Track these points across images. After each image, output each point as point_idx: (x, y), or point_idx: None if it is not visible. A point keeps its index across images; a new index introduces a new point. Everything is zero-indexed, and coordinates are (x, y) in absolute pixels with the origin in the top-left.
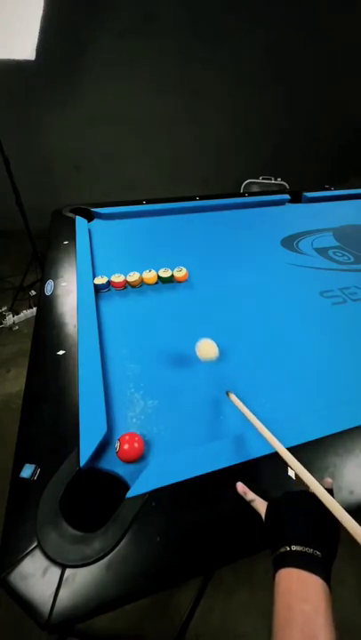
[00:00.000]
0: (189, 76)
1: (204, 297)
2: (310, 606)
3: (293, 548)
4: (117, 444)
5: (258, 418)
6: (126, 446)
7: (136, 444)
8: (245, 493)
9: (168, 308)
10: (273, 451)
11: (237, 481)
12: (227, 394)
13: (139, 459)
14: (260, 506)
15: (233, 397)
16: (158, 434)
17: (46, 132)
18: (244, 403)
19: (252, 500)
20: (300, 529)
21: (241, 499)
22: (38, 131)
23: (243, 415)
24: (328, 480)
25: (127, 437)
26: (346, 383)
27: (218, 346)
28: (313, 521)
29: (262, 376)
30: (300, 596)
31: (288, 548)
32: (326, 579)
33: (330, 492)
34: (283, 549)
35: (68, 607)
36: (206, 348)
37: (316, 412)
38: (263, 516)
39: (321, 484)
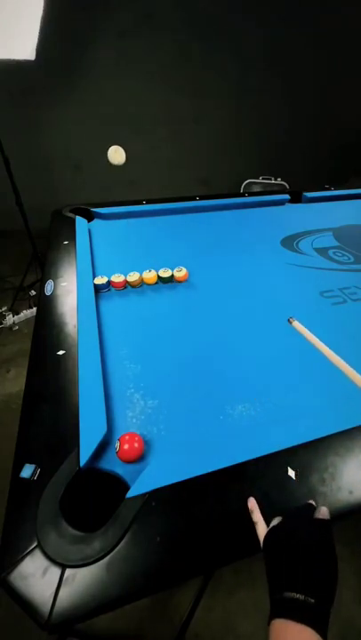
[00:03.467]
0: (189, 76)
1: (204, 297)
2: None
3: (289, 595)
4: (117, 444)
5: (257, 417)
6: (126, 446)
7: (136, 444)
8: (253, 512)
9: (168, 308)
10: (273, 451)
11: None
12: (289, 321)
13: (139, 459)
14: (262, 531)
15: (296, 324)
16: (158, 434)
17: (46, 132)
18: (244, 402)
19: (256, 523)
20: (297, 573)
21: (243, 504)
22: (38, 131)
23: (243, 414)
24: (324, 510)
25: (127, 437)
26: (346, 383)
27: (217, 345)
28: (313, 562)
29: (262, 376)
30: None
31: (284, 595)
32: (322, 629)
33: (325, 523)
34: (278, 596)
35: (68, 607)
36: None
37: (317, 411)
38: (261, 543)
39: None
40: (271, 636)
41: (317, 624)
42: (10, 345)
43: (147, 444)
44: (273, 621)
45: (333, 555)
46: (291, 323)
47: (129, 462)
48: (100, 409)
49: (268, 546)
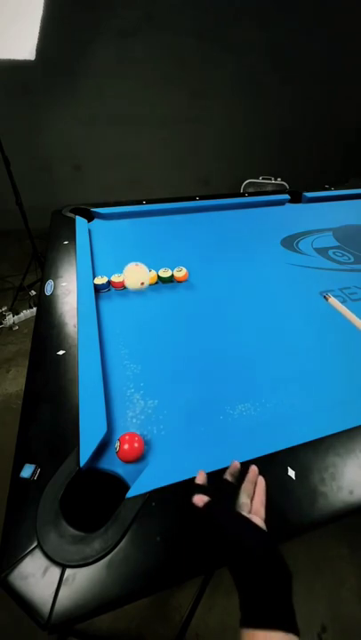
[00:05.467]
0: (190, 76)
1: (204, 297)
2: None
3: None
4: (117, 444)
5: (257, 417)
6: (126, 446)
7: (136, 444)
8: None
9: (168, 307)
10: (273, 451)
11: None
12: (325, 297)
13: (139, 459)
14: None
15: (332, 300)
16: (158, 434)
17: (46, 132)
18: (244, 402)
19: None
20: (257, 584)
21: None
22: (38, 131)
23: (244, 414)
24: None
25: (127, 437)
26: (346, 383)
27: (216, 345)
28: (267, 569)
29: (262, 376)
30: None
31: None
32: (290, 626)
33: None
34: (246, 603)
35: (68, 607)
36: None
37: (317, 411)
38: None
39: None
40: None
41: (284, 623)
42: (10, 345)
43: (147, 444)
44: (242, 631)
45: (281, 556)
46: (327, 299)
47: (129, 462)
48: (100, 409)
49: (228, 553)
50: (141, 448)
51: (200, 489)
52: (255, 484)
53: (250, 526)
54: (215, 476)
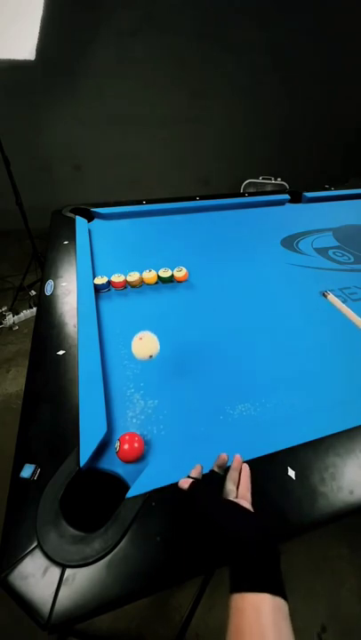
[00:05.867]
0: (190, 76)
1: (204, 297)
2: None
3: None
4: (117, 444)
5: (257, 417)
6: (126, 446)
7: (136, 444)
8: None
9: (168, 308)
10: (273, 451)
11: (231, 468)
12: (324, 295)
13: (139, 459)
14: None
15: (331, 297)
16: (158, 434)
17: (46, 132)
18: (244, 402)
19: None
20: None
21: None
22: (38, 131)
23: (243, 414)
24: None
25: (127, 437)
26: (346, 383)
27: (216, 345)
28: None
29: (262, 376)
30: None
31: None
32: (277, 588)
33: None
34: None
35: (68, 607)
36: (143, 346)
37: (317, 411)
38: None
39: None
40: (231, 611)
41: (272, 588)
42: (10, 345)
43: (147, 444)
44: (231, 596)
45: (269, 534)
46: (326, 296)
47: (129, 462)
48: (100, 409)
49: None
50: (141, 448)
51: (196, 479)
52: (240, 471)
53: (236, 508)
54: (215, 476)
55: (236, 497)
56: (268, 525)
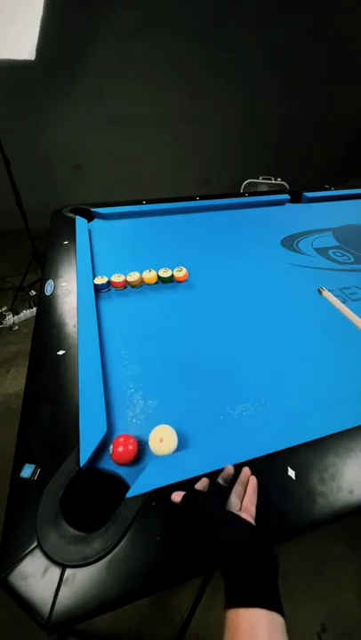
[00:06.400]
0: (190, 76)
1: (204, 297)
2: None
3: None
4: (111, 447)
5: (257, 417)
6: (120, 449)
7: (130, 447)
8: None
9: (168, 308)
10: (273, 451)
11: (237, 482)
12: (319, 291)
13: (133, 461)
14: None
15: (326, 293)
16: None
17: (46, 132)
18: (244, 402)
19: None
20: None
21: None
22: (38, 131)
23: (243, 414)
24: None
25: (121, 440)
26: (346, 383)
27: (216, 345)
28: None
29: (262, 375)
30: None
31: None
32: (273, 603)
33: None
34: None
35: (68, 607)
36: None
37: (317, 411)
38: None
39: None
40: (226, 628)
41: (268, 603)
42: (10, 345)
43: (147, 443)
44: (227, 612)
45: (268, 545)
46: (321, 293)
47: (123, 465)
48: (100, 409)
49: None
50: (135, 450)
51: (192, 492)
52: (246, 485)
53: (236, 519)
54: (215, 477)
55: (240, 510)
56: (268, 537)
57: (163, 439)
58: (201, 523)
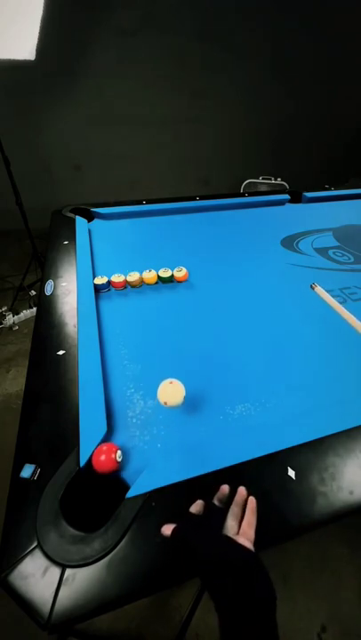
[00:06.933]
0: (190, 76)
1: (204, 297)
2: None
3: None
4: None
5: (257, 417)
6: (103, 457)
7: (113, 455)
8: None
9: (168, 307)
10: (273, 451)
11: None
12: (312, 287)
13: (111, 472)
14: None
15: (318, 289)
16: (158, 434)
17: (46, 132)
18: (244, 402)
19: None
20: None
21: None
22: (38, 131)
23: (243, 414)
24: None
25: (104, 448)
26: (346, 383)
27: (216, 345)
28: (253, 590)
29: (263, 376)
30: None
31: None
32: None
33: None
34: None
35: (68, 607)
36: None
37: (316, 411)
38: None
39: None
40: None
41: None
42: (10, 345)
43: (147, 443)
44: None
45: (265, 577)
46: (313, 288)
47: (104, 474)
48: (100, 409)
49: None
50: (112, 464)
51: (184, 522)
52: (243, 505)
53: (232, 546)
54: (215, 477)
55: (237, 533)
56: (265, 568)
57: (167, 402)
58: (194, 556)
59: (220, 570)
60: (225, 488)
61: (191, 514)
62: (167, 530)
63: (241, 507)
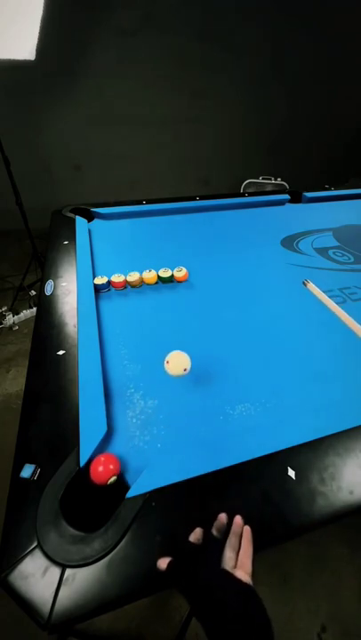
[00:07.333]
0: (190, 76)
1: (204, 297)
2: None
3: None
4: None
5: (257, 417)
6: (101, 468)
7: (110, 467)
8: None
9: (168, 307)
10: (273, 451)
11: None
12: (304, 283)
13: (106, 481)
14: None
15: (311, 286)
16: (158, 434)
17: (46, 132)
18: (244, 402)
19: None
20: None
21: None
22: (38, 131)
23: (243, 414)
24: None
25: (102, 459)
26: (346, 383)
27: (216, 345)
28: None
29: (262, 376)
30: None
31: None
32: None
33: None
34: None
35: (68, 607)
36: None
37: (316, 411)
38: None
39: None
40: None
41: None
42: (10, 345)
43: (147, 443)
44: None
45: (261, 612)
46: (306, 285)
47: (99, 483)
48: (100, 409)
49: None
50: (107, 474)
51: (187, 546)
52: (241, 535)
53: (229, 582)
54: (215, 477)
55: (235, 566)
56: (262, 603)
57: (169, 362)
58: (190, 593)
59: (216, 609)
60: (223, 517)
61: (190, 543)
62: (163, 563)
63: (238, 536)
